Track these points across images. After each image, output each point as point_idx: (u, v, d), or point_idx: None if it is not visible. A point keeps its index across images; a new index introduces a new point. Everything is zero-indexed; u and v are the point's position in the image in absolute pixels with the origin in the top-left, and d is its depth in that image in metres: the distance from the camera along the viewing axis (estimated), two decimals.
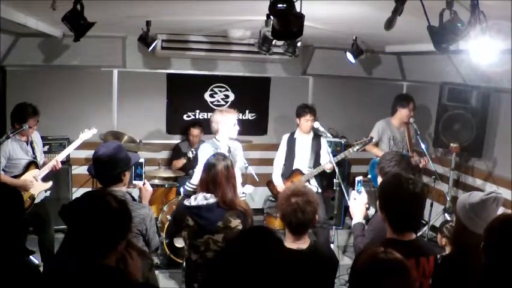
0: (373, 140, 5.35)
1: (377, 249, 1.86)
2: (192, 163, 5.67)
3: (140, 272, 2.16)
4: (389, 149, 5.55)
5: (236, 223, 3.06)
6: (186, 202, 3.12)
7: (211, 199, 3.06)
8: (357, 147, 5.09)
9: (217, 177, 3.08)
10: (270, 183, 5.67)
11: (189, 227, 3.11)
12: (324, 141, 5.31)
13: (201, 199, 3.07)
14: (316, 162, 5.40)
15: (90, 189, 5.37)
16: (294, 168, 5.47)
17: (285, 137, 5.63)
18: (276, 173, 5.57)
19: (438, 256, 2.64)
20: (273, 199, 5.86)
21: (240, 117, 6.78)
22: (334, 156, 5.00)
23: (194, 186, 3.85)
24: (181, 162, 6.08)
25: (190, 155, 5.58)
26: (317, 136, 5.45)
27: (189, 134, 6.28)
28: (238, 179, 4.40)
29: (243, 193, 4.58)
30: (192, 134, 6.20)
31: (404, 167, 3.07)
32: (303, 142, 5.49)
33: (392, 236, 2.44)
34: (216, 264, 2.29)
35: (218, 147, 4.34)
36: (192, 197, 3.12)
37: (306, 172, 5.39)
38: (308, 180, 5.37)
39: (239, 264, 1.87)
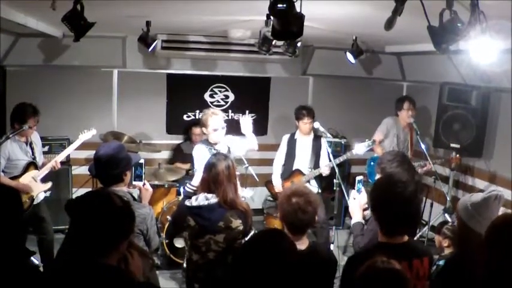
0: (378, 139, 5.36)
1: (377, 258, 1.86)
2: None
3: (141, 271, 2.17)
4: (392, 147, 5.57)
5: (237, 223, 3.05)
6: (187, 202, 3.11)
7: (213, 199, 3.06)
8: (362, 150, 5.00)
9: (218, 177, 3.07)
10: (268, 184, 5.67)
11: (190, 227, 3.11)
12: (324, 143, 5.31)
13: (202, 199, 3.07)
14: (317, 163, 5.40)
15: (90, 189, 5.35)
16: (294, 168, 5.48)
17: (285, 137, 5.62)
18: (275, 173, 5.57)
19: (437, 257, 2.63)
20: (272, 199, 5.86)
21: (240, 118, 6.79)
22: (335, 157, 5.00)
23: (195, 188, 3.85)
24: (185, 166, 6.02)
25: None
26: (317, 137, 5.45)
27: (190, 133, 6.28)
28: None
29: (243, 197, 4.56)
30: (193, 133, 6.20)
31: (406, 168, 3.04)
32: (304, 143, 5.49)
33: (383, 240, 2.41)
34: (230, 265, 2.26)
35: (213, 146, 4.33)
36: (193, 197, 3.12)
37: (306, 173, 5.40)
38: (308, 181, 5.37)
39: (252, 266, 1.87)
